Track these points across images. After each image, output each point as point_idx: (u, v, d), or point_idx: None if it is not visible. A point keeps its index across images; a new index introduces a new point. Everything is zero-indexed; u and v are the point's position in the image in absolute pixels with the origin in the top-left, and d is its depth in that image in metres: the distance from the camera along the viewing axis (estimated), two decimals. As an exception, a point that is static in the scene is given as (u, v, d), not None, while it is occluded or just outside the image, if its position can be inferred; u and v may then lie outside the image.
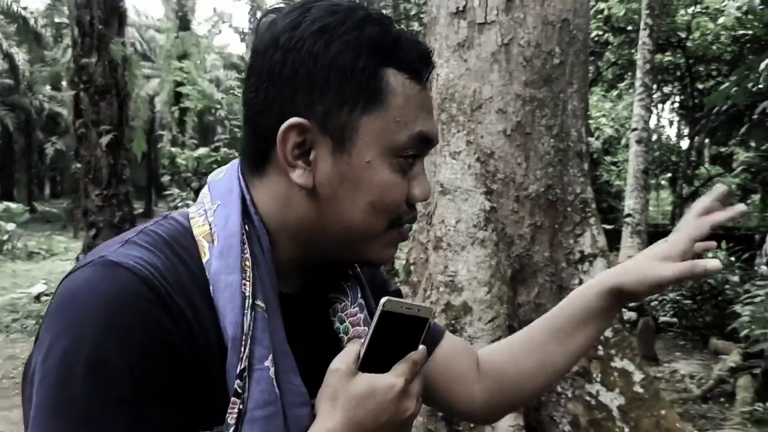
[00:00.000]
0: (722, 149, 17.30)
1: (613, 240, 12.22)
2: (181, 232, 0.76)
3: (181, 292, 0.70)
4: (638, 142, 11.27)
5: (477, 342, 3.19)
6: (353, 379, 0.73)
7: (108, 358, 0.64)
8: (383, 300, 0.72)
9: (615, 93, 20.64)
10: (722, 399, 5.83)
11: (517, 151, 3.46)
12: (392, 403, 0.73)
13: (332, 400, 0.73)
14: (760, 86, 8.28)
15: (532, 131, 3.46)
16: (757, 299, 6.72)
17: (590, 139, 18.60)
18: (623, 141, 17.16)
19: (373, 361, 0.74)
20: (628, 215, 11.09)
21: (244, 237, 0.75)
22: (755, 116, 9.40)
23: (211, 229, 0.76)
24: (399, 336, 0.74)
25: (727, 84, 8.57)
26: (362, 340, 0.75)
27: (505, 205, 3.46)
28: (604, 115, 20.22)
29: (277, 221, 0.79)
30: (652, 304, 8.50)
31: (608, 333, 3.42)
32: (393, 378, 0.73)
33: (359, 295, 0.88)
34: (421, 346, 0.77)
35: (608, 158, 18.94)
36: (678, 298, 8.28)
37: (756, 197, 16.22)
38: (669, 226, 16.84)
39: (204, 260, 0.74)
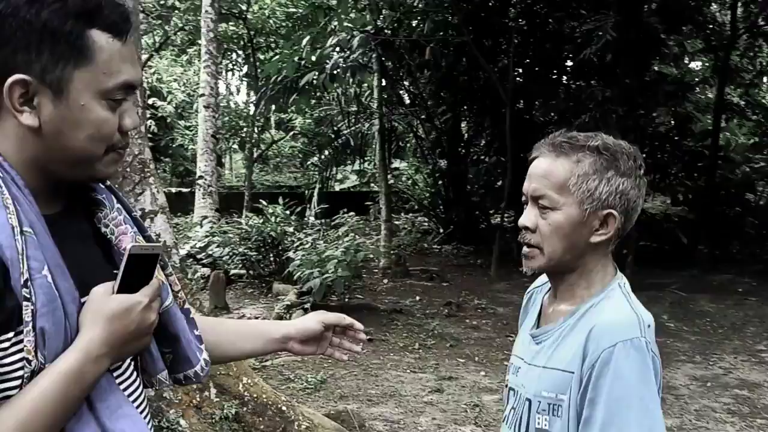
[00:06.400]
0: (283, 115, 19.05)
1: (191, 202, 12.64)
2: None
3: None
4: (206, 107, 11.80)
5: None
6: (110, 298, 0.98)
7: None
8: (129, 246, 0.99)
9: (185, 58, 20.94)
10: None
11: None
12: (139, 315, 0.98)
13: (94, 314, 0.96)
14: (303, 60, 9.47)
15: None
16: (306, 245, 7.83)
17: (163, 103, 18.60)
18: (195, 106, 17.55)
19: (124, 287, 0.99)
20: (200, 177, 11.57)
21: (0, 182, 0.93)
22: (301, 86, 10.65)
23: None
24: (140, 267, 1.01)
25: (277, 56, 9.57)
26: (118, 272, 1.00)
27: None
28: (175, 80, 20.40)
29: (17, 158, 0.97)
30: (224, 258, 9.07)
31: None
32: (140, 297, 0.99)
33: (115, 202, 1.11)
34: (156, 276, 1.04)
35: (182, 123, 19.21)
36: (245, 251, 9.02)
37: (315, 158, 18.17)
38: (243, 188, 17.96)
39: None
